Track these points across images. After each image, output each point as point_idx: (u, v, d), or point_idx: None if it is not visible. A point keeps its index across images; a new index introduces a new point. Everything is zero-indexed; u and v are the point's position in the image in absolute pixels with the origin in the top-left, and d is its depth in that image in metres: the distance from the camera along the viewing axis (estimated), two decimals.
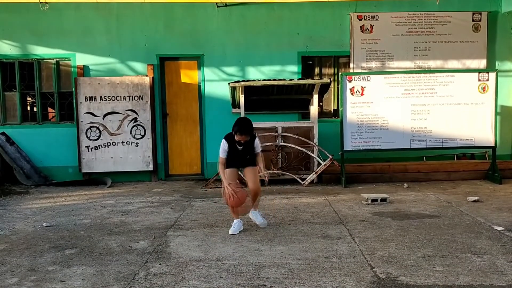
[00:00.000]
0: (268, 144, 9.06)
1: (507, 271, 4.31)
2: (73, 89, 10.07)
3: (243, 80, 9.37)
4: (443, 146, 8.98)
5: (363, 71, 9.92)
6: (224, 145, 5.84)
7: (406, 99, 8.84)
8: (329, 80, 9.39)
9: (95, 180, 10.00)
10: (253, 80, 9.32)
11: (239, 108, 9.43)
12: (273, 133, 9.23)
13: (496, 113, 8.92)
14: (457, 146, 9.00)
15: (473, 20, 10.14)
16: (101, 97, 9.99)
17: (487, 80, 8.88)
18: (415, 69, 9.94)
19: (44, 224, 6.44)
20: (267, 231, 5.79)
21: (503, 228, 5.70)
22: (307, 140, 9.13)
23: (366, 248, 5.04)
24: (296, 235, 5.59)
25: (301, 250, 5.02)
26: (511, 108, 10.33)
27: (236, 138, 5.72)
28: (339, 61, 10.41)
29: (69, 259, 4.91)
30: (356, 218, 6.40)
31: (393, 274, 4.28)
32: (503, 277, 4.17)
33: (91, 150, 10.02)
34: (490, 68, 9.96)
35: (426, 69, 9.93)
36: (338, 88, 9.95)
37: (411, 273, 4.30)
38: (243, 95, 9.18)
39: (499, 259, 4.62)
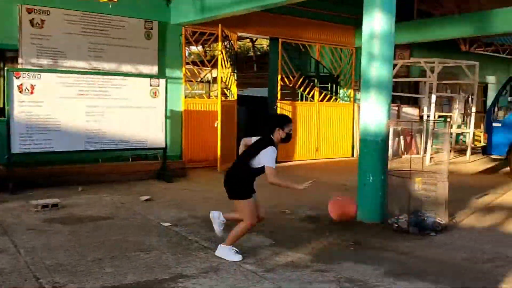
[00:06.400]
0: None
1: (171, 263, 4.60)
2: None
3: None
4: (118, 147, 9.12)
5: (33, 68, 9.21)
6: (275, 152, 4.70)
7: (81, 100, 8.63)
8: None
9: None
10: None
11: None
12: None
13: (166, 117, 9.57)
14: (132, 147, 9.28)
15: (145, 28, 10.59)
16: None
17: (158, 85, 9.45)
18: (90, 70, 9.78)
19: None
20: None
21: (170, 224, 6.11)
22: None
23: (31, 259, 4.66)
24: None
25: None
26: (179, 112, 11.20)
27: (290, 129, 4.81)
28: (7, 55, 9.41)
29: None
30: (23, 227, 5.87)
31: (61, 283, 4.07)
32: (167, 270, 4.44)
33: None
34: (161, 74, 10.56)
35: (101, 71, 9.88)
36: (4, 84, 8.98)
37: (80, 278, 4.17)
38: None
39: (165, 253, 4.91)
